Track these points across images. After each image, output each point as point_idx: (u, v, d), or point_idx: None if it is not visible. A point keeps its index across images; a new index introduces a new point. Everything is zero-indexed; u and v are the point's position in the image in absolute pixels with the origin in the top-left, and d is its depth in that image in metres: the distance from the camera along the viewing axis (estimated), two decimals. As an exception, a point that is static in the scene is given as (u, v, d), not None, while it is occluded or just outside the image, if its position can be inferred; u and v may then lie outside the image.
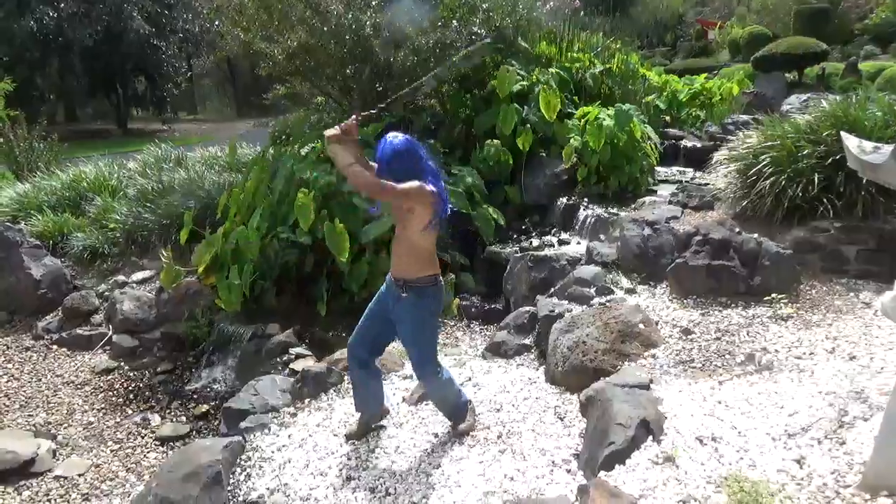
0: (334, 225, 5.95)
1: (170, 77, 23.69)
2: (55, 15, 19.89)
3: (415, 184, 2.98)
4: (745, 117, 8.82)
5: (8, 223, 7.59)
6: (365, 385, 3.52)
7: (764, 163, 5.29)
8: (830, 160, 4.99)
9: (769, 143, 5.44)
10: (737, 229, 4.95)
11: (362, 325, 3.42)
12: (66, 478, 4.54)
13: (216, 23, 9.82)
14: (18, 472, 4.49)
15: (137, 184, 8.74)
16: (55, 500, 4.31)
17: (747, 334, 4.00)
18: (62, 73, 20.50)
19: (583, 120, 7.56)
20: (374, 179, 2.97)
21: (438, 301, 3.28)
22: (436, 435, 3.54)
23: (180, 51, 24.37)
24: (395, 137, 3.07)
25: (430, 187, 3.02)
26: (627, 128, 7.21)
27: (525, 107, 7.79)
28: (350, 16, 7.16)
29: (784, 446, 2.76)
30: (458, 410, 3.52)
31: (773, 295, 4.34)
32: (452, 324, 5.90)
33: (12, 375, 5.96)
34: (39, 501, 4.28)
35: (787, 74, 13.55)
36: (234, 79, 33.37)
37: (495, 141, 7.45)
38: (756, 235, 4.80)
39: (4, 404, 5.50)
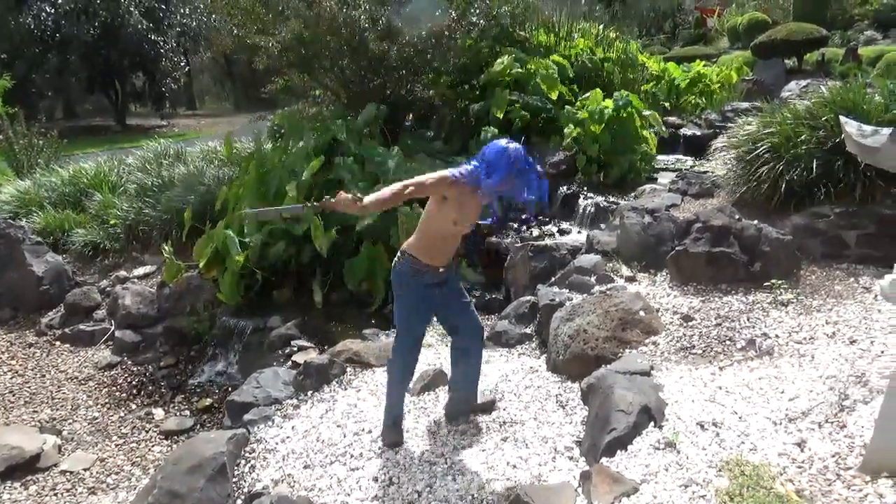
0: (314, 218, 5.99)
1: (168, 72, 23.58)
2: (53, 11, 19.84)
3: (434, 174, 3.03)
4: (744, 104, 8.78)
5: (10, 220, 7.61)
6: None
7: (761, 149, 5.28)
8: (829, 145, 4.98)
9: (767, 130, 5.43)
10: (737, 216, 4.94)
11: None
12: (71, 472, 4.58)
13: (213, 17, 9.79)
14: (25, 467, 4.53)
15: (137, 179, 8.74)
16: (61, 494, 4.35)
17: (748, 320, 4.00)
18: (60, 70, 20.41)
19: (582, 108, 7.56)
20: (392, 188, 3.00)
21: (399, 281, 3.24)
22: (438, 424, 3.55)
23: (178, 46, 24.25)
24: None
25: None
26: (626, 113, 7.21)
27: (523, 95, 7.80)
28: (344, 11, 7.14)
29: (785, 430, 2.78)
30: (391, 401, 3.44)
31: (774, 281, 4.34)
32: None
33: (16, 372, 5.99)
34: (46, 496, 4.32)
35: (786, 61, 13.50)
36: (231, 73, 33.26)
37: (491, 128, 7.46)
38: (756, 222, 4.79)
39: (9, 400, 5.53)
